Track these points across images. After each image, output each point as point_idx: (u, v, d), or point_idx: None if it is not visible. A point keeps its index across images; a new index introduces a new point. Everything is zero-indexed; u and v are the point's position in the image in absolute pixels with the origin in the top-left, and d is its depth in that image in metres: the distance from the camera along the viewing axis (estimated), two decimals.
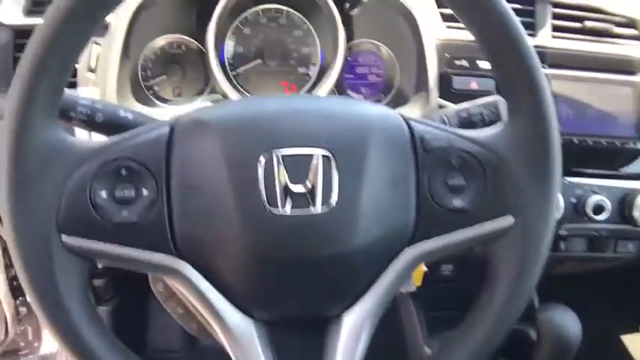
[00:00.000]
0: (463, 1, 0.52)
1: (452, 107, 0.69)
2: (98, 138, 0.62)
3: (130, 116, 0.63)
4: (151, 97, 0.87)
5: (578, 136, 0.91)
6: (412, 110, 0.83)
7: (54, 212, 0.50)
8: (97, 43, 0.80)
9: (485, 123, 0.65)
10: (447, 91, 0.84)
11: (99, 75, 0.80)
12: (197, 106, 0.84)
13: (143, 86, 0.87)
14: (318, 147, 0.51)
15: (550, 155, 0.54)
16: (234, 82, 0.90)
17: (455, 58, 0.85)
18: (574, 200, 0.90)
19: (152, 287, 0.77)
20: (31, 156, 0.49)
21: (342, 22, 0.85)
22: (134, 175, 0.52)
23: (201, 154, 0.52)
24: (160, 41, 0.87)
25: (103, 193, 0.51)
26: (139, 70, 0.86)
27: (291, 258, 0.51)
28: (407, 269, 0.55)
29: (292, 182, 0.51)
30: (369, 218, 0.52)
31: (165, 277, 0.57)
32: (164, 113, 0.78)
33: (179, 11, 0.85)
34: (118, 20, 0.77)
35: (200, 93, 0.88)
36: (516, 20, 0.52)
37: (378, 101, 0.93)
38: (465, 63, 0.85)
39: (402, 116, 0.56)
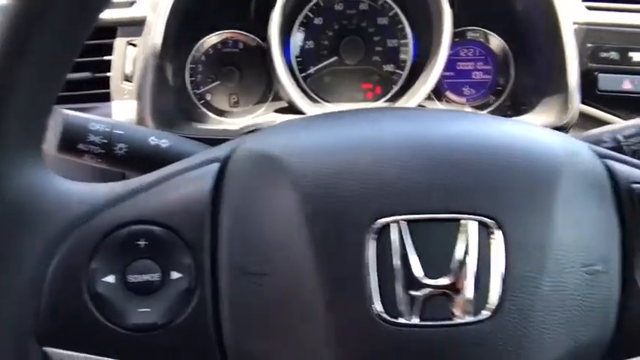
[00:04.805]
0: None
1: (624, 123, 0.48)
2: None
3: (164, 144, 0.47)
4: (203, 108, 0.74)
5: None
6: (544, 119, 0.66)
7: (30, 313, 0.33)
8: (132, 44, 0.69)
9: None
10: (590, 94, 0.69)
11: (136, 84, 0.67)
12: (260, 118, 0.73)
13: (192, 96, 0.74)
14: (471, 210, 0.32)
15: None
16: (304, 85, 0.77)
17: (601, 50, 0.68)
18: None
19: None
20: None
21: None
22: (159, 248, 0.34)
23: (271, 216, 0.33)
24: (212, 39, 0.74)
25: (110, 278, 0.34)
26: (187, 76, 0.74)
27: None
28: None
29: (427, 272, 0.32)
30: (552, 325, 0.32)
31: None
32: (219, 134, 0.66)
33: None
34: (157, 14, 0.64)
35: (262, 101, 0.76)
36: None
37: (487, 105, 0.78)
38: (614, 56, 0.67)
39: (594, 151, 0.36)
